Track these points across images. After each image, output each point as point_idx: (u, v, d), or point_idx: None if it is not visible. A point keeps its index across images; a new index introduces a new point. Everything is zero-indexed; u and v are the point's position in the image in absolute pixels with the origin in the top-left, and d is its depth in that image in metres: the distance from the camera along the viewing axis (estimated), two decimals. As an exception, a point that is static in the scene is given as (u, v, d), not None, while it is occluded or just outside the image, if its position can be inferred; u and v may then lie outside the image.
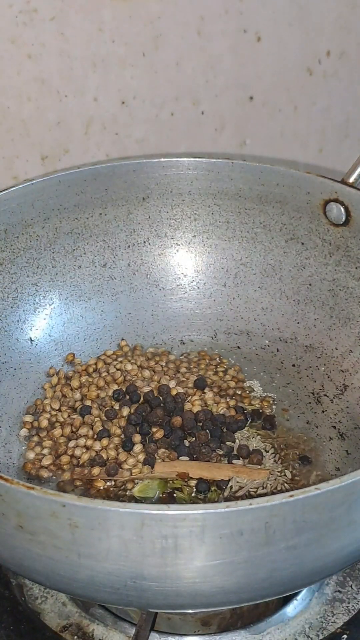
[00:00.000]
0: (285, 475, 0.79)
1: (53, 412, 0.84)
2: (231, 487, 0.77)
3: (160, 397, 0.85)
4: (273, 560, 0.58)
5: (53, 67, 0.95)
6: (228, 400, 0.86)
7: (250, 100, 1.10)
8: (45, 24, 0.93)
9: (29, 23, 0.92)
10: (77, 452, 0.80)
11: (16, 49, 0.93)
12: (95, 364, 0.89)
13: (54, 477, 0.79)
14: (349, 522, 0.58)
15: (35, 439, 0.82)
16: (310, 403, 0.87)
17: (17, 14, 0.91)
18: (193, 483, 0.78)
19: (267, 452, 0.81)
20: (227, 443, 0.82)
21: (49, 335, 0.90)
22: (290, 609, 0.74)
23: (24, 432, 0.83)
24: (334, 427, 0.84)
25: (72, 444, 0.81)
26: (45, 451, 0.81)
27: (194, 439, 0.82)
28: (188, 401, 0.85)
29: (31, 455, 0.81)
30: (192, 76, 1.04)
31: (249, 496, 0.76)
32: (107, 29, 0.96)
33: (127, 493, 0.77)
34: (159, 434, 0.82)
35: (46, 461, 0.80)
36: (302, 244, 0.91)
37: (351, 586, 0.76)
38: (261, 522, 0.55)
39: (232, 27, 1.04)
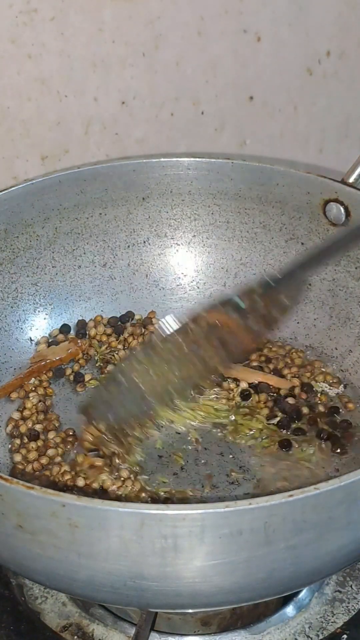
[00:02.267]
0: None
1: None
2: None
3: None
4: (272, 560, 0.58)
5: (53, 67, 0.95)
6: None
7: (250, 101, 1.10)
8: (45, 24, 0.93)
9: (29, 23, 0.92)
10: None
11: (16, 49, 0.92)
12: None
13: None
14: (348, 522, 0.58)
15: (17, 442, 0.82)
16: (310, 403, 0.87)
17: (17, 14, 0.91)
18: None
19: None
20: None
21: (49, 335, 0.90)
22: (290, 609, 0.74)
23: (9, 429, 0.83)
24: (334, 427, 0.84)
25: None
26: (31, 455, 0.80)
27: None
28: None
29: (18, 457, 0.80)
30: (192, 76, 1.04)
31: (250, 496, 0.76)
32: (107, 29, 0.96)
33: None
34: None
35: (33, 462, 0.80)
36: (302, 244, 0.91)
37: (351, 586, 0.76)
38: (260, 522, 0.55)
39: (232, 28, 1.04)
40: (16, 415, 0.83)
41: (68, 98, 0.97)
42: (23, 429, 0.82)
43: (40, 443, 0.80)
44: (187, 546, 0.55)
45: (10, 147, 0.96)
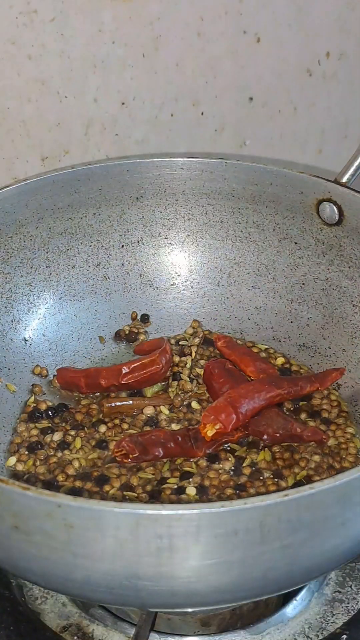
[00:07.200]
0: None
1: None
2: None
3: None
4: (268, 559, 0.58)
5: (53, 68, 0.95)
6: None
7: (250, 102, 1.10)
8: (45, 25, 0.93)
9: (29, 24, 0.92)
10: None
11: (16, 49, 0.93)
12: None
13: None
14: (342, 522, 0.58)
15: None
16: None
17: (17, 15, 0.91)
18: None
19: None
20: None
21: (43, 335, 0.90)
22: (290, 609, 0.74)
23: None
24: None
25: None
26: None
27: None
28: None
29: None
30: (192, 77, 1.04)
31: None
32: (107, 30, 0.97)
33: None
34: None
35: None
36: (296, 243, 0.91)
37: (351, 586, 0.76)
38: (256, 521, 0.55)
39: (231, 28, 1.04)
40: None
41: (68, 99, 0.98)
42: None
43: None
44: (182, 546, 0.55)
45: (10, 148, 0.97)
